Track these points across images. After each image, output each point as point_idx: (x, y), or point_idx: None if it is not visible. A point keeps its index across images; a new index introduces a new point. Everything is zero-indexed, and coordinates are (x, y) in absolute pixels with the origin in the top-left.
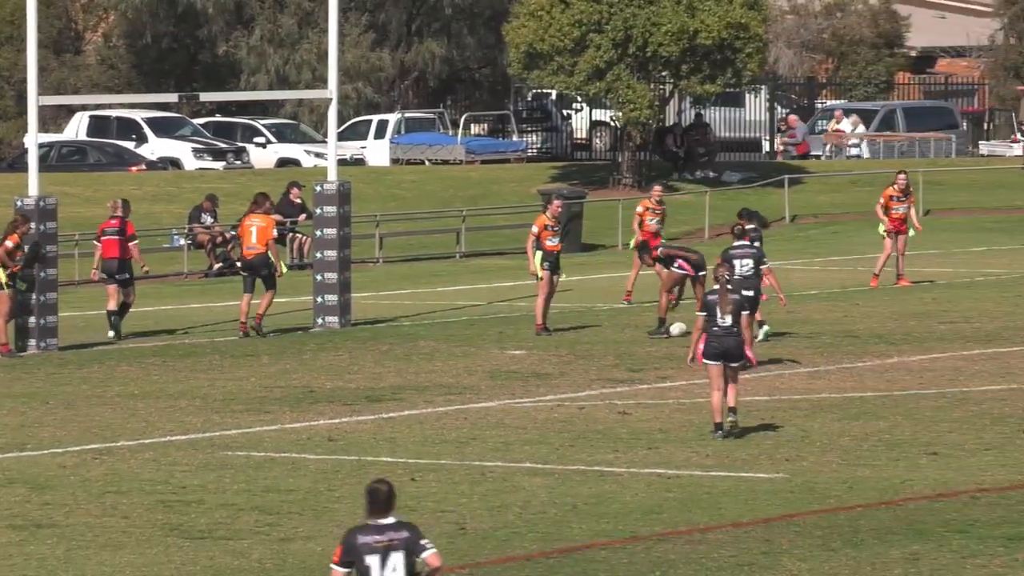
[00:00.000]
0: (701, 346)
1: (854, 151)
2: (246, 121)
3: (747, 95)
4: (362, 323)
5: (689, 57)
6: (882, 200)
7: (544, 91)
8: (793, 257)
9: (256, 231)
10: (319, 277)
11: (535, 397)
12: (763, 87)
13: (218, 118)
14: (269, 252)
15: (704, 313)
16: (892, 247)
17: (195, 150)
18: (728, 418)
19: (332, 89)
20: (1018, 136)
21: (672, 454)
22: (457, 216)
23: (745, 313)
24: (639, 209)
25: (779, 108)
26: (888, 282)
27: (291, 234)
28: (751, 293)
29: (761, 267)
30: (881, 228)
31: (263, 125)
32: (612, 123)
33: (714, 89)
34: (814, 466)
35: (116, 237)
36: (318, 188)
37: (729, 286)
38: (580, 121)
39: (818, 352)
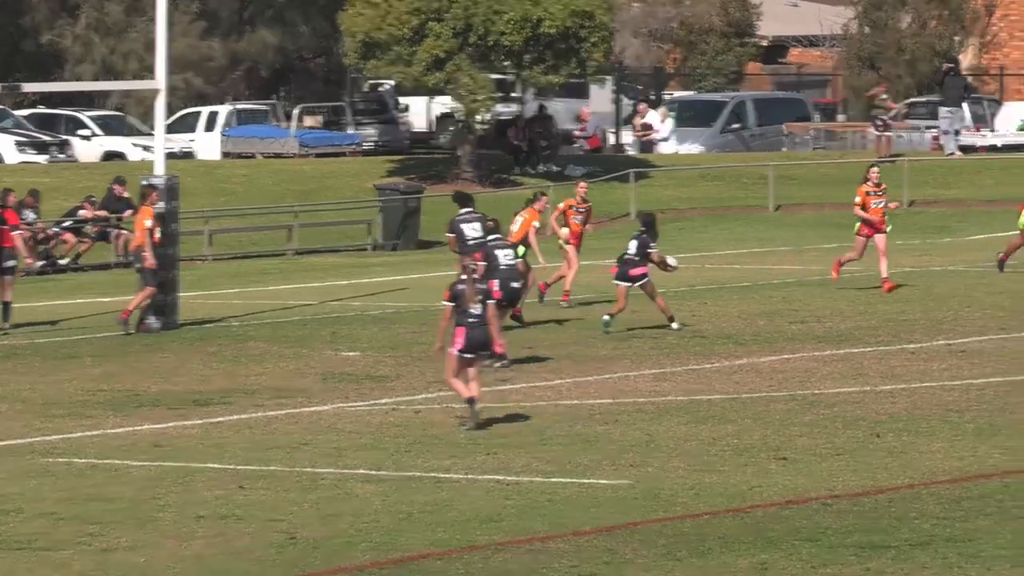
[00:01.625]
0: (460, 339)
1: (664, 144)
2: (70, 113)
3: (592, 86)
4: (190, 323)
5: (532, 47)
6: (858, 199)
7: (382, 81)
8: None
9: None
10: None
11: (370, 400)
12: (609, 78)
13: (41, 110)
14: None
15: (453, 303)
16: (863, 249)
17: (17, 143)
18: (476, 407)
19: (160, 80)
20: (873, 128)
21: (511, 459)
22: (289, 212)
23: (491, 303)
24: (561, 206)
25: (625, 99)
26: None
27: (116, 231)
28: (518, 284)
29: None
30: (857, 228)
31: (88, 117)
32: (453, 115)
33: (558, 80)
34: (659, 472)
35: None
36: (145, 183)
37: (475, 275)
38: (425, 113)
39: (664, 353)
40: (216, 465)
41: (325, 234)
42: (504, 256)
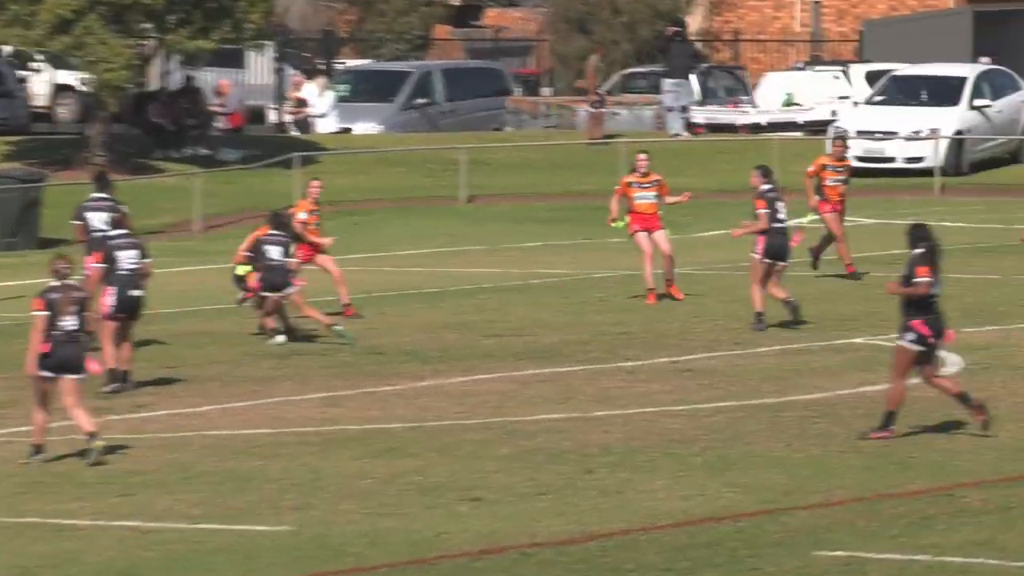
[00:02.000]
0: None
1: (322, 122)
2: None
3: (250, 54)
4: None
5: (178, 6)
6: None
7: None
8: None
9: None
10: None
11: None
12: (269, 43)
13: None
14: None
15: (46, 313)
16: (649, 245)
17: None
18: (95, 443)
19: None
20: (589, 103)
21: (150, 501)
22: None
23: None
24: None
25: (289, 69)
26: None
27: None
28: (139, 293)
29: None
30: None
31: None
32: (81, 87)
33: (208, 45)
34: (327, 516)
35: None
36: None
37: (68, 281)
38: (40, 85)
39: (334, 373)
40: None
41: None
42: (127, 260)
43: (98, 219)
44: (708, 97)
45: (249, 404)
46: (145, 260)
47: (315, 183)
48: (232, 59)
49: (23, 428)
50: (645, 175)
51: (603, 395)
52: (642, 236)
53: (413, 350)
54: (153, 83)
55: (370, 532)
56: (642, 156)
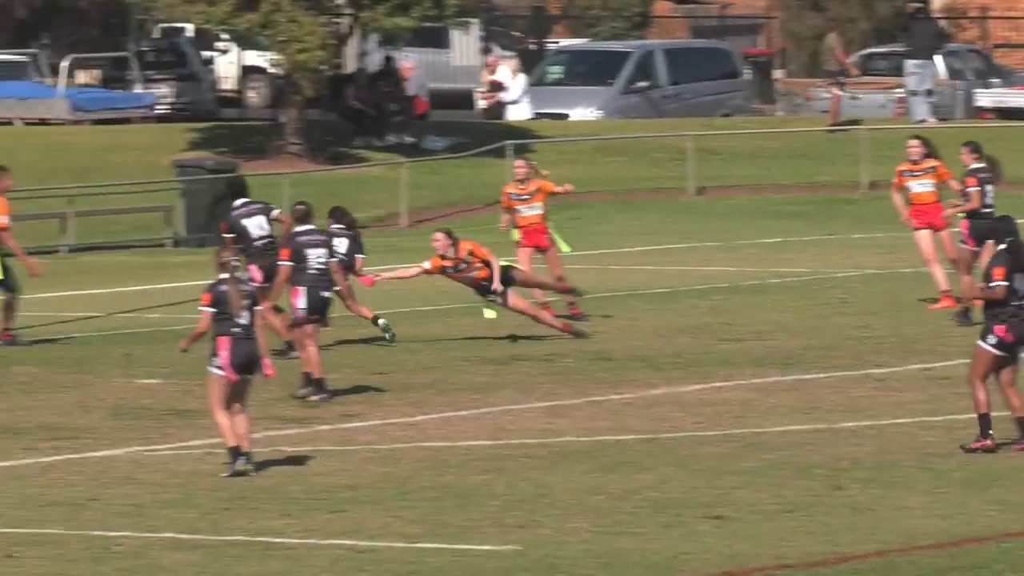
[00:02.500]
0: (225, 353)
1: (514, 108)
2: None
3: (454, 33)
4: None
5: None
6: (896, 180)
7: (177, 26)
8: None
9: None
10: None
11: (176, 443)
12: (474, 22)
13: None
14: None
15: (214, 309)
16: (932, 245)
17: None
18: (239, 464)
19: None
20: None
21: (364, 519)
22: (61, 196)
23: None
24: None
25: (497, 50)
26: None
27: None
28: (329, 293)
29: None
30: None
31: None
32: (271, 69)
33: (408, 23)
34: (556, 535)
35: None
36: None
37: (239, 274)
38: (227, 67)
39: (558, 380)
40: None
41: (110, 225)
42: (316, 258)
43: (255, 225)
44: (954, 79)
45: (467, 414)
46: (332, 259)
47: (518, 163)
48: (434, 38)
49: (219, 440)
50: (917, 160)
51: (851, 404)
52: (924, 234)
53: (644, 356)
54: (350, 65)
55: (602, 552)
56: (914, 142)
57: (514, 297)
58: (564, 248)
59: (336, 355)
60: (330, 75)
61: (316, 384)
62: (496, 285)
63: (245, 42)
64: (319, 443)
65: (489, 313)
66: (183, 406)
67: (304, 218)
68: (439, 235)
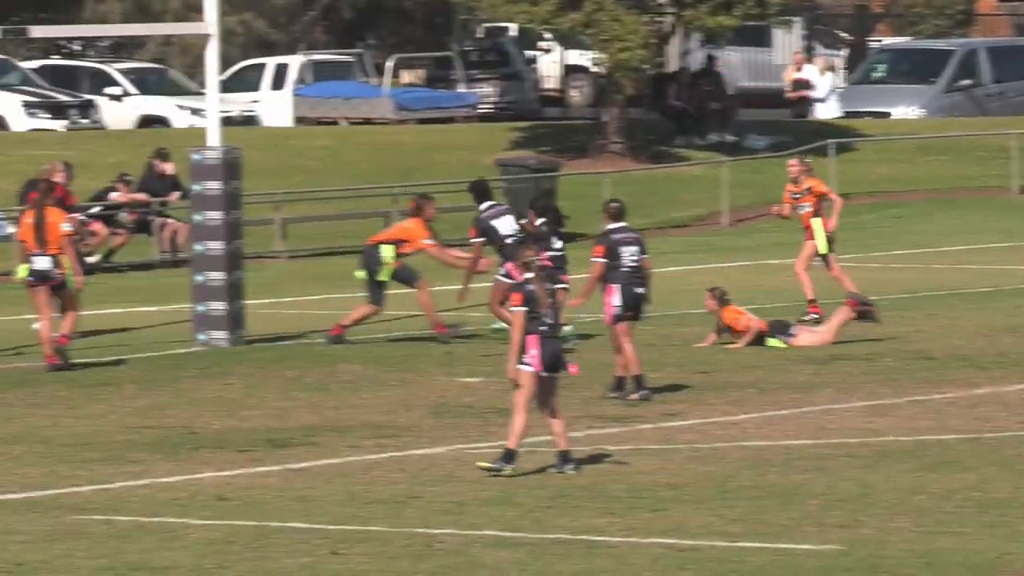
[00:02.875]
0: (535, 351)
1: (821, 107)
2: (95, 65)
3: (776, 31)
4: (260, 340)
5: None
6: None
7: (501, 25)
8: (843, 250)
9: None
10: (199, 278)
11: (496, 441)
12: (797, 20)
13: (57, 61)
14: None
15: (525, 308)
16: None
17: (25, 105)
18: (566, 468)
19: (211, 22)
20: None
21: (685, 518)
22: (385, 195)
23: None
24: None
25: (818, 48)
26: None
27: (160, 220)
28: (643, 290)
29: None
30: None
31: (118, 71)
32: (594, 69)
33: (730, 22)
34: (878, 534)
35: None
36: (195, 157)
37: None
38: (550, 67)
39: (879, 379)
40: (300, 524)
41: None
42: (629, 254)
43: (505, 225)
44: None
45: (788, 413)
46: (644, 256)
47: (791, 161)
48: (756, 37)
49: (545, 437)
50: None
51: None
52: None
53: (966, 355)
54: (672, 64)
55: (925, 552)
56: None
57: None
58: (822, 248)
59: (658, 354)
60: (652, 74)
61: (635, 381)
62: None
63: (568, 41)
64: (640, 442)
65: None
66: (504, 404)
67: (617, 216)
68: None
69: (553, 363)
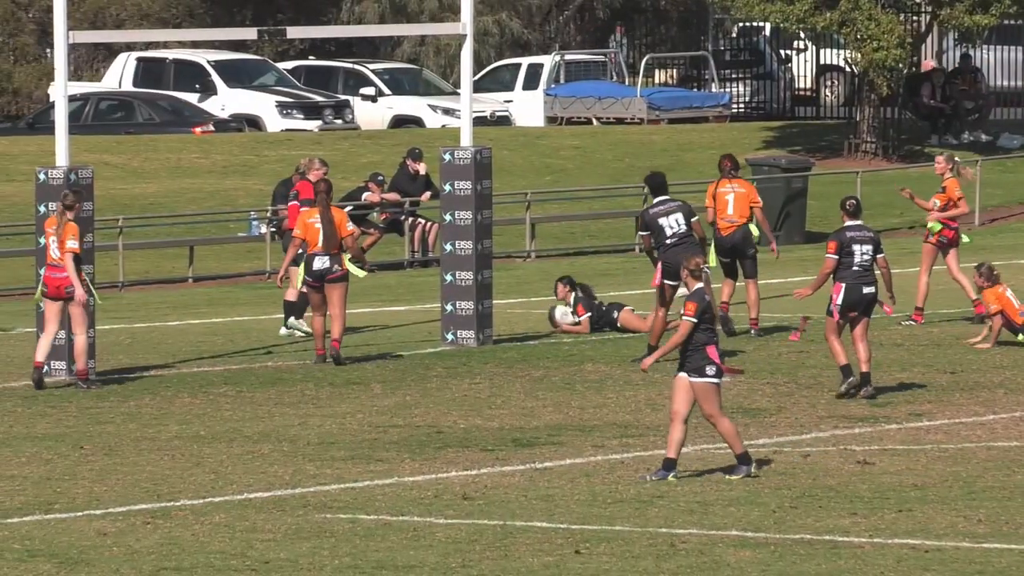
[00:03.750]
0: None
1: None
2: (349, 66)
3: None
4: (507, 340)
5: None
6: None
7: (754, 24)
8: None
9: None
10: (448, 277)
11: (744, 441)
12: None
13: (312, 61)
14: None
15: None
16: None
17: (280, 105)
18: (735, 474)
19: (467, 22)
20: None
21: (930, 519)
22: (637, 195)
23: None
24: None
25: None
26: None
27: (411, 219)
28: (871, 289)
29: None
30: None
31: (372, 71)
32: (848, 68)
33: (987, 21)
34: None
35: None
36: (447, 157)
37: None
38: (803, 66)
39: None
40: (544, 524)
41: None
42: (862, 252)
43: (670, 223)
44: None
45: None
46: (880, 255)
47: (937, 158)
48: (1014, 35)
49: (791, 438)
50: None
51: None
52: None
53: None
54: (926, 62)
55: None
56: None
57: None
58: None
59: (906, 353)
60: (907, 73)
61: (841, 371)
62: None
63: (822, 40)
64: (887, 442)
65: None
66: (750, 405)
67: (854, 212)
68: None
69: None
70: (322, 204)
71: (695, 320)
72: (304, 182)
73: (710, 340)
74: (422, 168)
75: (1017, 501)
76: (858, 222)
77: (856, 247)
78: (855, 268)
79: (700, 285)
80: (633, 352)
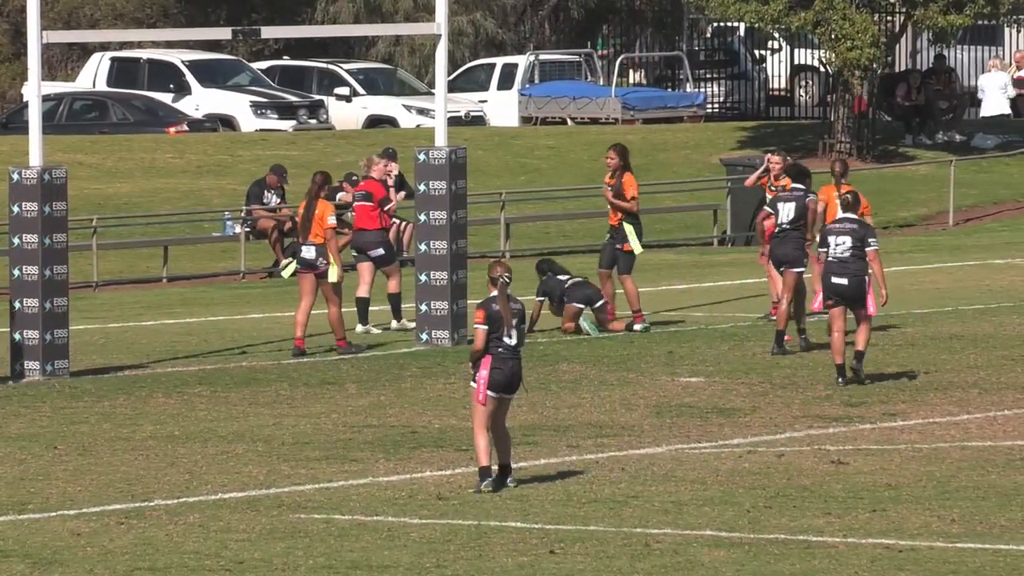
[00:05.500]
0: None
1: None
2: (324, 65)
3: (1007, 30)
4: None
5: None
6: None
7: (729, 24)
8: None
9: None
10: (423, 277)
11: (717, 441)
12: None
13: (286, 61)
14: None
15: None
16: None
17: (254, 105)
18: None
19: (441, 22)
20: None
21: (905, 518)
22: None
23: None
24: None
25: None
26: None
27: (400, 221)
28: (843, 281)
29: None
30: None
31: (347, 71)
32: (822, 68)
33: (961, 21)
34: None
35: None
36: (421, 157)
37: (508, 290)
38: (778, 66)
39: None
40: (519, 524)
41: (658, 224)
42: (835, 243)
43: (784, 213)
44: None
45: (1012, 413)
46: (869, 248)
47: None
48: (987, 36)
49: (765, 437)
50: None
51: None
52: None
53: None
54: (901, 63)
55: None
56: None
57: None
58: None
59: (881, 353)
60: (881, 73)
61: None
62: None
63: (796, 40)
64: (861, 442)
65: None
66: (725, 404)
67: (846, 206)
68: None
69: (508, 384)
70: (309, 194)
71: (486, 327)
72: (370, 180)
73: (491, 350)
74: (396, 168)
75: (991, 501)
76: (848, 215)
77: (831, 239)
78: (830, 260)
79: (494, 293)
80: (607, 353)
